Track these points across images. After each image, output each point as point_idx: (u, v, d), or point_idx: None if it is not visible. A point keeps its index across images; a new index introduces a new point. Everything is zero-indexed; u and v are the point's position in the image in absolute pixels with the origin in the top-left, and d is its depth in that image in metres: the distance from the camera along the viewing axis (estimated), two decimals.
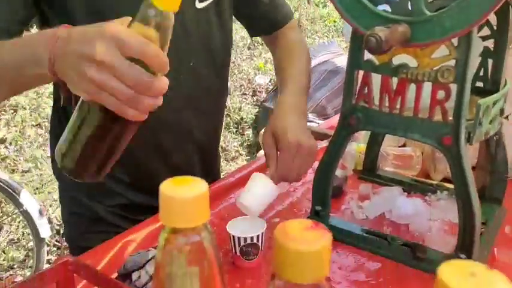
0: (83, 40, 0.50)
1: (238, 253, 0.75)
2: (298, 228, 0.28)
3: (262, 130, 0.88)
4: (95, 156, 0.54)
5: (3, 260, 2.09)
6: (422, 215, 0.87)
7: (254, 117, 3.42)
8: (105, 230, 0.94)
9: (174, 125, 0.91)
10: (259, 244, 0.75)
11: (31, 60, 0.56)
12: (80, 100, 0.53)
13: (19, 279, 1.96)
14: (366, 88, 0.74)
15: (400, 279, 0.74)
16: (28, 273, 2.00)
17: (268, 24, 1.03)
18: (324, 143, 1.19)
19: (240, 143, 3.31)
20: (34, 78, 0.59)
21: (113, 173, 0.86)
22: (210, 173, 1.05)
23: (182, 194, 0.32)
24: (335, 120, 1.50)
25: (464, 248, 0.72)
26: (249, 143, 3.30)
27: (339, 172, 0.97)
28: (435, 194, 0.95)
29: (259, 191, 0.80)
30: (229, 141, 3.19)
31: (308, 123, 3.09)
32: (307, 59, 1.02)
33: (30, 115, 3.19)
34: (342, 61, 3.23)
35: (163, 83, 0.51)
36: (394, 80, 0.72)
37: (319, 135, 1.27)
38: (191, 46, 0.88)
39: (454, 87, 0.68)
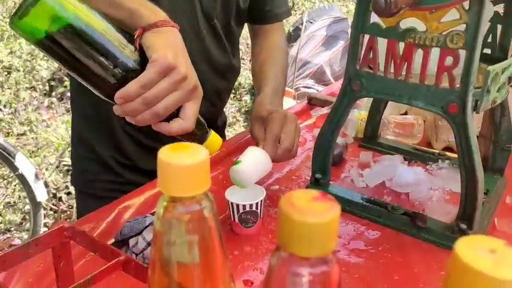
0: (186, 64, 0.64)
1: (237, 220, 0.75)
2: (305, 198, 0.26)
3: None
4: None
5: (0, 222, 2.10)
6: (423, 184, 0.87)
7: (252, 83, 3.38)
8: (113, 180, 0.97)
9: None
10: (258, 211, 0.74)
11: (133, 11, 0.65)
12: None
13: (17, 242, 1.97)
14: (371, 53, 0.72)
15: (400, 248, 0.74)
16: (25, 236, 2.02)
17: (263, 15, 1.05)
18: (325, 110, 1.17)
19: (237, 108, 3.28)
20: (127, 13, 0.66)
21: (127, 130, 0.94)
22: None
23: (182, 160, 0.31)
24: (336, 86, 1.49)
25: (465, 218, 0.72)
26: (246, 109, 3.28)
27: (339, 140, 0.96)
28: (436, 163, 0.94)
29: (253, 159, 0.78)
30: (227, 107, 3.16)
31: (307, 90, 3.06)
32: (286, 61, 1.06)
33: (24, 77, 3.14)
34: (343, 26, 3.17)
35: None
36: (401, 45, 0.69)
37: (319, 102, 1.25)
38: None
39: (462, 54, 0.66)
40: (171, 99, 0.63)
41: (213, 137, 0.74)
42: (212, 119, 1.10)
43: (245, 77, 3.39)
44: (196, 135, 0.71)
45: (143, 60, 0.63)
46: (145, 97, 0.61)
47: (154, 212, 0.75)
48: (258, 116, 0.86)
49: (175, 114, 0.66)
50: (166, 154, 0.31)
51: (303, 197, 0.26)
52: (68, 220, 2.11)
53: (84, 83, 0.64)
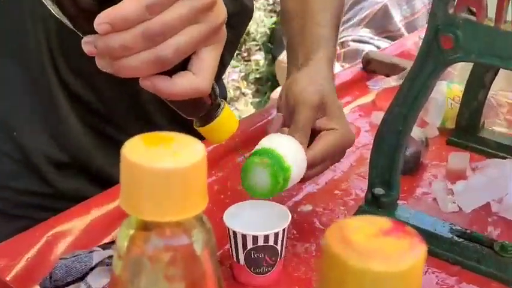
0: None
1: (242, 261, 0.75)
2: (367, 231, 0.27)
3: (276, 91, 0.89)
4: None
5: None
6: None
7: (269, 32, 3.39)
8: (37, 190, 0.99)
9: None
10: (279, 248, 0.75)
11: None
12: None
13: None
14: None
15: None
16: None
17: None
18: (392, 82, 1.17)
19: (243, 74, 3.29)
20: None
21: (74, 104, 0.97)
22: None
23: (162, 162, 0.31)
24: (411, 41, 1.49)
25: None
26: (258, 76, 3.29)
27: (415, 132, 0.96)
28: None
29: (293, 152, 0.79)
30: (226, 72, 3.18)
31: (360, 45, 3.07)
32: None
33: None
34: None
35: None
36: None
37: (382, 67, 1.25)
38: None
39: None
40: (189, 36, 0.62)
41: (227, 112, 0.74)
42: None
43: (257, 22, 3.39)
44: (205, 106, 0.71)
45: None
46: (149, 27, 0.59)
47: (108, 244, 0.77)
48: (308, 98, 0.85)
49: (179, 66, 0.65)
50: (135, 150, 0.32)
51: (365, 228, 0.27)
52: None
53: None
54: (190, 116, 0.72)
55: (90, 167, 1.00)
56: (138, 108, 0.99)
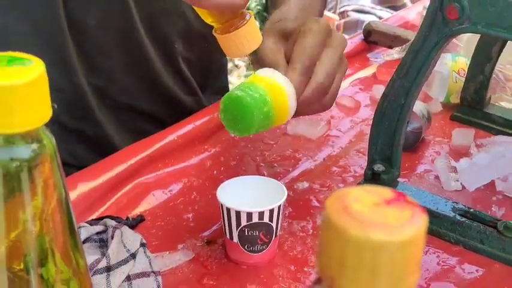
0: None
1: (235, 239, 0.76)
2: (369, 201, 0.27)
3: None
4: None
5: None
6: None
7: (264, 0, 3.37)
8: None
9: None
10: (274, 225, 0.76)
11: None
12: None
13: None
14: None
15: None
16: None
17: None
18: (394, 53, 1.18)
19: None
20: None
21: None
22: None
23: None
24: (414, 12, 1.49)
25: None
26: None
27: (418, 106, 0.96)
28: None
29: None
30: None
31: (360, 16, 3.06)
32: None
33: None
34: None
35: None
36: None
37: (384, 38, 1.26)
38: None
39: None
40: None
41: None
42: (205, 60, 1.12)
43: None
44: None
45: None
46: None
47: (95, 220, 0.77)
48: (278, 30, 0.86)
49: None
50: None
51: (366, 198, 0.27)
52: None
53: None
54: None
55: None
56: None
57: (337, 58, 0.82)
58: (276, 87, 0.75)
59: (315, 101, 0.80)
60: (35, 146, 0.37)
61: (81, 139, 1.03)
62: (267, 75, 0.77)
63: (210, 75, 1.18)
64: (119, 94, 1.04)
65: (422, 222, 0.27)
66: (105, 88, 1.02)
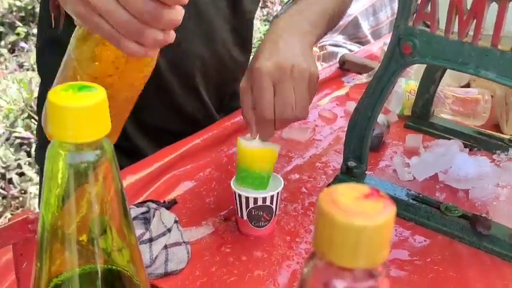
0: None
1: (245, 217, 0.76)
2: (352, 195, 0.27)
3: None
4: None
5: None
6: (487, 178, 0.87)
7: (263, 37, 3.36)
8: None
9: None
10: (274, 207, 0.76)
11: None
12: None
13: None
14: (429, 5, 0.72)
15: (454, 260, 0.75)
16: None
17: None
18: (363, 78, 1.17)
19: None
20: None
21: None
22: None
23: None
24: (376, 46, 1.49)
25: None
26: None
27: (379, 117, 0.96)
28: (506, 153, 0.95)
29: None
30: None
31: (335, 49, 3.01)
32: None
33: None
34: None
35: (177, 14, 0.52)
36: None
37: (355, 67, 1.25)
38: None
39: None
40: None
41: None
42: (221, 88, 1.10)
43: (254, 29, 3.37)
44: None
45: None
46: None
47: (141, 203, 0.77)
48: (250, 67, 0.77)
49: None
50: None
51: (349, 193, 0.27)
52: (20, 209, 2.14)
53: None
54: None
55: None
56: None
57: (299, 87, 0.76)
58: (266, 152, 0.76)
59: (285, 120, 0.77)
60: (98, 151, 0.37)
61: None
62: (255, 148, 0.76)
63: (224, 99, 1.14)
64: (149, 117, 1.01)
65: (392, 211, 0.27)
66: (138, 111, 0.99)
